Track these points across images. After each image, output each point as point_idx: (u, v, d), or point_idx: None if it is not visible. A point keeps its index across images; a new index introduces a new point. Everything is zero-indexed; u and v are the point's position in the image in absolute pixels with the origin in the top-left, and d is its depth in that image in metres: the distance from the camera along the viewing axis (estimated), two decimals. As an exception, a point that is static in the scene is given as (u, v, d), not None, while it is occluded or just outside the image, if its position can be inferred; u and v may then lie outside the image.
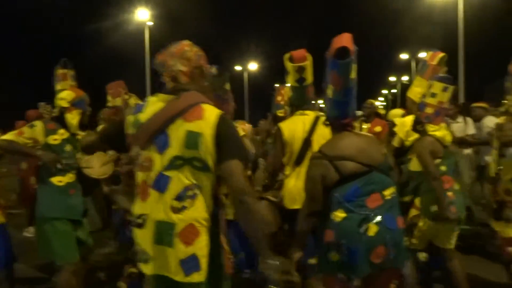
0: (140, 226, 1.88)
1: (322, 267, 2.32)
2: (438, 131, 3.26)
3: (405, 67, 34.54)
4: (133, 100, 3.91)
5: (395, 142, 4.22)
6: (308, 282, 2.90)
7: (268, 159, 3.68)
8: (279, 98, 5.51)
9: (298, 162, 3.18)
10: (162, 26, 24.04)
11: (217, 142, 1.82)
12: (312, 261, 2.49)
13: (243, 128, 3.95)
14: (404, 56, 32.19)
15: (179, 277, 1.81)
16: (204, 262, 1.84)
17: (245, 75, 34.45)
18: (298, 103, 3.37)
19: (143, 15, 22.57)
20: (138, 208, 1.92)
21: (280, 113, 5.28)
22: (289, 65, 3.25)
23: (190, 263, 1.82)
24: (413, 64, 31.04)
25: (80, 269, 3.28)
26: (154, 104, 1.92)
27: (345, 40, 2.32)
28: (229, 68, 28.27)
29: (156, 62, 1.98)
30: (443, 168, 3.18)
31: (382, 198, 2.25)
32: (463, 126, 5.94)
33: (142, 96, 4.06)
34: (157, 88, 2.03)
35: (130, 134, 1.95)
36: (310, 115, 3.29)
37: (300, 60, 3.22)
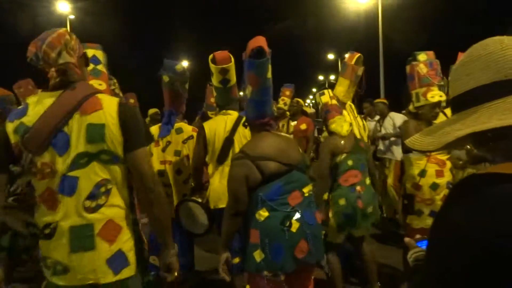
0: (49, 237, 1.74)
1: (247, 266, 2.35)
2: (333, 124, 3.47)
3: (332, 67, 36.07)
4: None
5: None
6: (234, 280, 2.94)
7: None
8: (212, 99, 5.47)
9: (220, 161, 3.19)
10: (84, 19, 23.01)
11: (122, 130, 1.74)
12: (236, 260, 2.52)
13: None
14: (331, 56, 33.60)
15: (109, 278, 1.73)
16: (131, 256, 1.79)
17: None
18: (222, 103, 3.38)
19: (63, 8, 21.66)
20: (44, 218, 1.77)
21: (211, 114, 5.23)
22: (212, 67, 3.25)
23: (117, 261, 1.76)
24: (339, 64, 32.54)
25: None
26: (39, 104, 1.75)
27: (260, 41, 2.39)
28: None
29: (29, 55, 1.75)
30: (349, 162, 3.32)
31: (301, 196, 2.35)
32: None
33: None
34: (39, 83, 1.87)
35: (15, 143, 1.74)
36: (233, 114, 3.31)
37: (223, 62, 3.22)
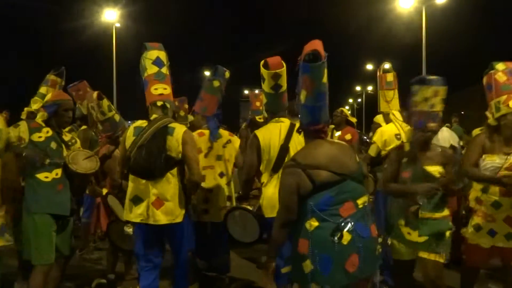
0: None
1: (295, 277, 2.29)
2: None
3: (370, 78, 35.51)
4: (106, 102, 3.77)
5: (372, 151, 4.28)
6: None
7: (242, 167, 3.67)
8: (257, 103, 5.45)
9: (275, 169, 3.14)
10: (129, 26, 23.81)
11: None
12: (285, 270, 2.45)
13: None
14: (369, 66, 33.07)
15: None
16: None
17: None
18: (274, 110, 3.34)
19: (110, 16, 22.37)
20: None
21: (259, 118, 5.23)
22: (264, 72, 3.22)
23: None
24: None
25: (54, 274, 3.22)
26: None
27: (316, 44, 2.34)
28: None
29: None
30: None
31: (355, 207, 2.26)
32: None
33: (109, 97, 3.92)
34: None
35: None
36: (285, 122, 3.27)
37: (275, 67, 3.20)
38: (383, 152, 4.19)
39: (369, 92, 39.67)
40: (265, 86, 3.28)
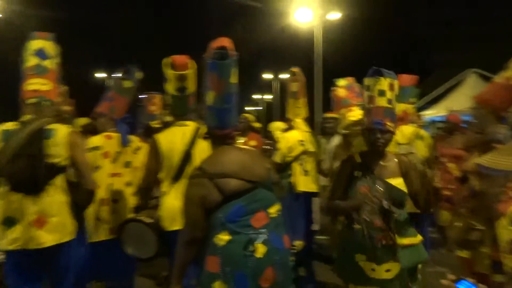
0: None
1: None
2: None
3: (268, 87, 36.64)
4: None
5: (277, 158, 4.24)
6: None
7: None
8: (152, 108, 5.13)
9: (177, 177, 2.88)
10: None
11: None
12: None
13: None
14: (268, 76, 34.13)
15: None
16: None
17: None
18: (179, 113, 3.07)
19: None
20: None
21: (155, 124, 4.92)
22: (170, 72, 2.93)
23: None
24: (274, 84, 33.17)
25: None
26: None
27: (224, 41, 2.16)
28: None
29: None
30: None
31: (267, 217, 2.09)
32: None
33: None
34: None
35: None
36: (190, 125, 3.01)
37: (182, 68, 2.93)
38: (287, 159, 4.20)
39: (267, 100, 40.97)
40: (170, 87, 2.99)
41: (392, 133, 2.54)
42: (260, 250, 2.01)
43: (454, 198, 3.71)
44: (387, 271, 2.44)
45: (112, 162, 3.25)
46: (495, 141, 2.90)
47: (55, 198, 2.58)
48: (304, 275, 3.84)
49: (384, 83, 2.51)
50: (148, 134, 4.73)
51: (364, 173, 2.52)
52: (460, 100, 10.29)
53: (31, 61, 2.68)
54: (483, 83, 10.69)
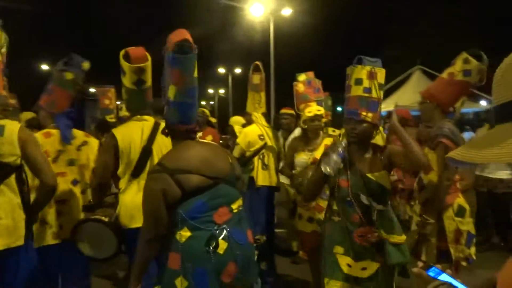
0: None
1: None
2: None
3: (222, 81, 36.44)
4: None
5: (236, 152, 4.23)
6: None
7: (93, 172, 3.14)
8: (106, 101, 4.93)
9: (136, 174, 2.79)
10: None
11: None
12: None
13: None
14: (221, 70, 33.95)
15: None
16: None
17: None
18: (136, 108, 2.96)
19: None
20: None
21: (110, 118, 4.73)
22: (125, 65, 2.82)
23: None
24: (229, 78, 33.06)
25: None
26: None
27: (184, 34, 2.11)
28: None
29: None
30: None
31: (230, 212, 2.09)
32: None
33: None
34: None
35: None
36: (149, 120, 2.93)
37: (139, 61, 2.82)
38: (248, 153, 4.20)
39: (220, 95, 40.76)
40: (126, 81, 2.87)
41: (370, 123, 2.40)
42: (222, 246, 2.00)
43: (406, 191, 3.87)
44: (362, 269, 2.41)
45: (54, 162, 2.99)
46: (441, 136, 3.07)
47: (5, 199, 2.41)
48: (265, 268, 3.85)
49: (361, 72, 2.39)
50: (103, 128, 4.56)
51: (344, 166, 2.44)
52: (407, 95, 10.78)
53: None
54: (427, 80, 11.26)
